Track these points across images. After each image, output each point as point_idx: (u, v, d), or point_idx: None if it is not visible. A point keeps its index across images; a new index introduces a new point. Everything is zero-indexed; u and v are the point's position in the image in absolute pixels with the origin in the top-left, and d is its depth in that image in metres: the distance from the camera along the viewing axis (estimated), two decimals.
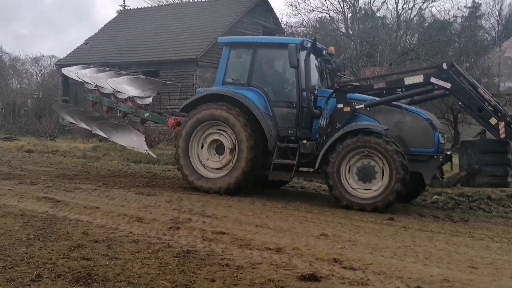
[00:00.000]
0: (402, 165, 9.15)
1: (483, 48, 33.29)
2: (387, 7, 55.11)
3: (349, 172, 9.62)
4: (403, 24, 36.89)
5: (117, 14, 41.16)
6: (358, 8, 37.25)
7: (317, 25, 40.05)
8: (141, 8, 39.74)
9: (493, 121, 8.96)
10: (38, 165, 14.41)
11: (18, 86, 42.46)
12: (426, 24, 38.46)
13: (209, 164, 10.85)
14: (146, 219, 7.81)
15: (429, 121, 9.71)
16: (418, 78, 9.69)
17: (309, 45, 10.46)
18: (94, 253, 5.75)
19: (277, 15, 36.27)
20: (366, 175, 9.51)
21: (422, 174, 9.69)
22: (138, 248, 6.09)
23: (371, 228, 7.91)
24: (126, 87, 12.85)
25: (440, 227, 8.33)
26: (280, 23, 36.06)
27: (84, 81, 13.27)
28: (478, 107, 9.14)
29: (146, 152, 13.24)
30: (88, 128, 13.63)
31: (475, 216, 9.85)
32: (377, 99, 10.09)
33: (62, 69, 16.74)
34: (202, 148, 10.89)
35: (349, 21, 35.82)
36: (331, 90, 10.42)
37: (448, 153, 10.17)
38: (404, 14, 37.38)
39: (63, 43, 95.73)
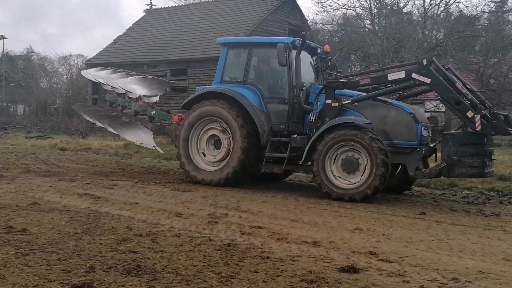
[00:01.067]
0: (383, 163, 9.60)
1: (511, 43, 32.90)
2: (414, 3, 54.39)
3: (334, 163, 10.15)
4: (430, 20, 36.55)
5: (144, 13, 41.77)
6: (384, 4, 37.01)
7: (341, 21, 39.95)
8: (168, 7, 40.21)
9: (469, 114, 9.36)
10: (74, 163, 14.83)
11: (47, 86, 43.34)
12: (452, 19, 38.08)
13: (207, 157, 11.53)
14: (185, 214, 8.08)
15: (412, 115, 10.14)
16: (401, 74, 10.17)
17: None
18: (140, 247, 6.01)
19: (304, 12, 36.37)
20: (350, 167, 10.01)
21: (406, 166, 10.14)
22: (181, 242, 6.34)
23: (404, 223, 8.05)
24: (135, 86, 13.59)
25: (472, 221, 8.44)
26: (307, 21, 36.10)
27: (100, 82, 14.09)
28: (456, 101, 9.56)
29: (154, 148, 13.92)
30: (102, 126, 14.55)
31: (506, 210, 9.91)
32: (364, 94, 10.64)
33: (82, 71, 17.96)
34: (201, 142, 11.59)
35: (375, 17, 35.61)
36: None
37: (431, 145, 10.48)
38: (432, 10, 37.03)
39: (90, 42, 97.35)
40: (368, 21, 37.35)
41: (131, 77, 14.07)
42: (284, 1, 33.15)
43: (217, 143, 11.49)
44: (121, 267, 5.21)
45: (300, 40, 10.97)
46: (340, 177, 10.09)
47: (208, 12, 35.18)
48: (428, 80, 9.80)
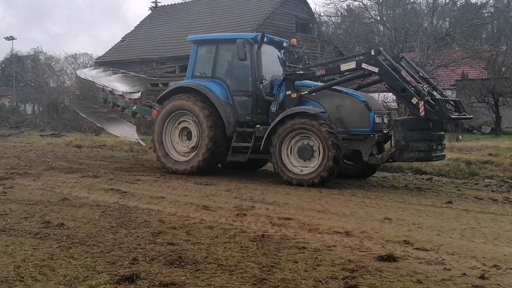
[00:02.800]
0: (334, 144, 10.14)
1: None
2: None
3: (290, 151, 10.72)
4: (439, 8, 36.38)
5: (150, 10, 41.78)
6: None
7: (345, 14, 39.81)
8: (174, 4, 40.17)
9: (414, 100, 9.82)
10: (92, 159, 14.92)
11: (55, 85, 43.44)
12: (456, 8, 37.89)
13: (179, 148, 12.18)
14: (212, 207, 8.15)
15: (365, 103, 10.63)
16: (352, 65, 10.75)
17: (265, 39, 11.46)
18: (176, 239, 6.09)
19: (311, 5, 36.26)
20: (305, 154, 10.59)
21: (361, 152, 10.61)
22: (215, 234, 6.41)
23: (432, 212, 8.08)
24: (117, 84, 14.35)
25: (501, 209, 8.47)
26: (314, 13, 36.04)
27: (92, 81, 14.84)
28: (401, 88, 10.04)
29: (136, 141, 14.57)
30: (92, 120, 15.56)
31: None
32: (320, 84, 11.21)
33: (77, 71, 19.03)
34: (174, 134, 12.23)
35: (383, 8, 35.47)
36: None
37: (385, 131, 10.80)
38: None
39: (96, 40, 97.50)
40: (375, 11, 37.25)
41: (114, 75, 14.82)
42: None
43: (189, 135, 12.12)
44: (163, 258, 5.28)
45: (265, 36, 11.47)
46: (298, 165, 10.64)
47: (215, 8, 35.14)
48: (376, 69, 10.31)
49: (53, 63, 57.43)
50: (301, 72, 11.32)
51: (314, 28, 34.90)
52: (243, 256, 5.49)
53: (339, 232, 6.62)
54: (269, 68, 11.81)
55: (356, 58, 11.08)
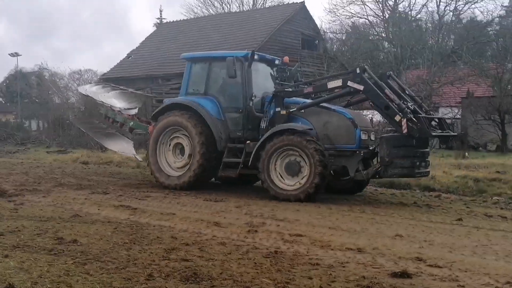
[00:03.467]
0: (320, 162, 10.34)
1: None
2: (427, 10, 54.58)
3: (278, 167, 10.93)
4: (444, 27, 36.61)
5: (155, 26, 42.18)
6: (398, 12, 37.16)
7: (350, 30, 40.10)
8: (180, 20, 40.57)
9: (397, 118, 10.00)
10: (101, 176, 14.97)
11: (60, 101, 43.72)
12: (461, 25, 38.12)
13: (173, 163, 12.44)
14: (223, 224, 8.18)
15: (351, 120, 10.85)
16: (338, 82, 10.95)
17: (256, 57, 11.83)
18: (190, 255, 6.11)
19: (317, 22, 36.50)
20: (292, 170, 10.78)
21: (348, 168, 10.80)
22: (228, 250, 6.44)
23: (443, 229, 8.08)
24: (114, 100, 14.69)
25: (511, 227, 8.45)
26: (319, 30, 36.28)
27: (91, 97, 15.18)
28: (385, 105, 10.21)
29: (134, 156, 14.91)
30: (91, 135, 16.06)
31: None
32: (308, 101, 11.44)
33: (78, 87, 19.44)
34: (167, 150, 12.52)
35: (390, 25, 35.73)
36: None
37: (371, 148, 10.92)
38: (446, 17, 37.14)
39: (101, 56, 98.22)
40: (381, 28, 37.50)
41: (112, 92, 15.16)
42: (297, 11, 33.30)
43: (182, 151, 12.38)
44: (178, 274, 5.31)
45: (257, 53, 11.93)
46: (286, 180, 10.84)
47: (221, 24, 35.41)
48: (361, 87, 10.48)
49: (58, 80, 57.77)
50: (290, 89, 11.66)
51: (320, 45, 35.12)
52: (257, 272, 5.51)
53: (351, 249, 6.63)
54: (261, 85, 12.11)
55: (343, 76, 11.32)
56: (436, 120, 10.83)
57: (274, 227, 8.04)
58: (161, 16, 44.78)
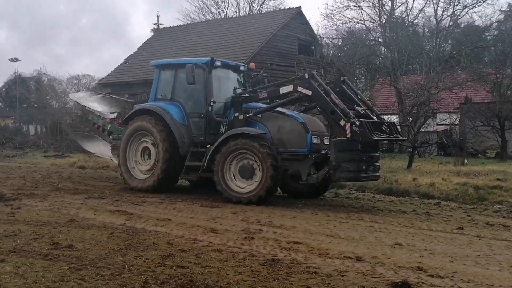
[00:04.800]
0: (272, 166, 10.57)
1: None
2: (424, 15, 54.58)
3: (232, 170, 11.15)
4: (442, 32, 36.58)
5: (152, 32, 42.09)
6: (395, 17, 37.12)
7: (346, 36, 40.00)
8: (177, 26, 40.45)
9: (342, 122, 10.25)
10: (97, 180, 14.88)
11: (58, 106, 43.58)
12: (459, 31, 38.11)
13: (141, 167, 12.78)
14: (219, 230, 8.08)
15: (303, 125, 11.08)
16: (289, 88, 11.25)
17: (217, 63, 12.18)
18: (186, 262, 6.03)
19: (313, 27, 36.45)
20: (246, 173, 11.01)
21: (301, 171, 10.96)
22: (225, 257, 6.35)
23: (444, 237, 7.98)
24: (96, 104, 15.38)
25: None
26: (316, 35, 36.22)
27: (76, 102, 16.23)
28: (331, 110, 10.47)
29: (109, 158, 15.32)
30: (72, 137, 17.23)
31: None
32: (264, 106, 11.73)
33: (69, 94, 20.32)
34: (136, 153, 12.83)
35: (387, 30, 35.68)
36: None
37: (323, 152, 11.04)
38: (444, 21, 37.10)
39: (99, 62, 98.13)
40: (378, 33, 37.44)
41: (95, 96, 16.11)
42: (293, 16, 33.25)
43: (150, 155, 12.67)
44: (174, 282, 5.23)
45: (218, 60, 12.30)
46: (239, 183, 11.07)
47: (217, 30, 35.34)
48: (310, 93, 10.76)
49: (56, 85, 57.62)
50: (247, 94, 11.90)
51: (317, 50, 35.09)
52: (254, 280, 5.42)
53: (349, 257, 6.54)
54: (226, 91, 12.37)
55: (294, 82, 11.49)
56: (386, 124, 10.94)
57: (271, 234, 7.95)
58: (158, 22, 44.64)
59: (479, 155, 26.94)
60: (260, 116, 11.56)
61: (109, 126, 14.71)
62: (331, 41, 39.18)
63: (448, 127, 30.18)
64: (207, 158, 11.33)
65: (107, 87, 34.62)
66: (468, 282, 5.56)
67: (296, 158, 11.04)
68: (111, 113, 15.34)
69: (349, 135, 10.10)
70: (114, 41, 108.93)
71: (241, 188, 11.03)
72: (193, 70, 11.55)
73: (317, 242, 7.43)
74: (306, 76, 10.92)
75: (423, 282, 5.51)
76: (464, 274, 5.85)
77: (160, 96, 12.89)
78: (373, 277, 5.69)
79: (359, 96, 11.30)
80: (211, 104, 11.83)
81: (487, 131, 26.44)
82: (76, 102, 15.82)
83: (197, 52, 32.97)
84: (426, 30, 39.08)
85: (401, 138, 11.58)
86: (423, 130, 24.36)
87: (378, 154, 11.06)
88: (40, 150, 29.39)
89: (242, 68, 13.07)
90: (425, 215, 10.17)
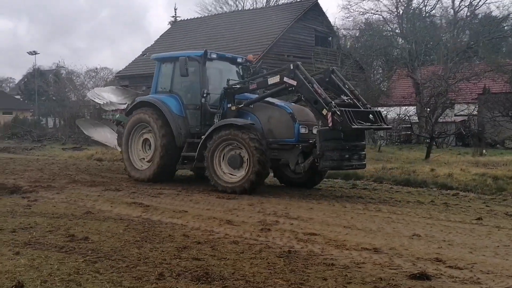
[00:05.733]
0: (256, 149, 10.75)
1: None
2: (442, 5, 53.81)
3: (222, 159, 11.38)
4: (459, 22, 36.06)
5: (169, 25, 42.14)
6: (412, 8, 36.69)
7: (363, 27, 39.68)
8: (194, 18, 40.46)
9: (324, 111, 10.33)
10: (114, 173, 14.93)
11: (76, 99, 43.92)
12: (477, 21, 37.56)
13: (141, 158, 13.12)
14: (236, 222, 8.04)
15: (291, 115, 11.23)
16: (276, 79, 11.37)
17: (213, 55, 12.41)
18: (201, 254, 5.99)
19: (330, 18, 36.17)
20: (235, 163, 11.21)
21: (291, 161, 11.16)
22: (241, 249, 6.30)
23: (462, 228, 7.86)
24: (108, 94, 15.86)
25: None
26: (333, 27, 35.97)
27: (92, 93, 16.82)
28: (314, 100, 10.59)
29: (114, 147, 15.65)
30: (79, 125, 17.97)
31: None
32: (255, 97, 11.92)
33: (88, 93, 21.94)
34: (138, 145, 13.18)
35: (404, 21, 35.27)
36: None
37: (311, 141, 11.01)
38: (461, 12, 36.57)
39: (117, 54, 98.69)
40: (395, 24, 37.06)
41: (108, 87, 17.11)
42: (309, 8, 33.01)
43: (150, 146, 12.92)
44: (189, 274, 5.19)
45: (213, 52, 12.51)
46: (228, 172, 11.30)
47: (234, 22, 35.27)
48: (294, 83, 10.92)
49: (74, 78, 58.07)
50: (238, 86, 12.08)
51: (334, 42, 34.83)
52: (270, 272, 5.37)
53: (367, 249, 6.46)
54: (224, 83, 12.36)
55: (280, 72, 11.54)
56: (372, 113, 11.01)
57: (288, 225, 7.89)
58: (175, 15, 44.64)
59: (498, 145, 26.56)
60: (251, 106, 11.74)
61: (117, 115, 15.04)
62: (348, 33, 38.98)
63: (466, 117, 29.84)
64: (198, 149, 11.58)
65: (125, 79, 34.82)
66: (488, 273, 5.45)
67: (284, 147, 11.25)
68: (121, 103, 15.65)
69: (330, 124, 10.21)
70: (133, 34, 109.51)
71: (232, 177, 11.22)
72: (186, 63, 11.81)
73: (334, 234, 7.35)
74: (291, 67, 11.05)
75: (441, 274, 5.41)
76: (484, 265, 5.74)
77: (161, 89, 13.16)
78: (391, 269, 5.61)
79: (346, 86, 11.45)
80: (204, 95, 12.10)
81: (505, 121, 26.08)
82: (93, 93, 16.34)
83: (214, 44, 32.90)
84: (444, 21, 38.64)
85: (386, 127, 11.65)
86: (441, 120, 24.14)
87: (363, 143, 11.14)
88: (58, 143, 29.70)
89: (239, 60, 13.22)
90: (443, 206, 10.02)
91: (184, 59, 11.85)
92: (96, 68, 52.82)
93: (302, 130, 11.14)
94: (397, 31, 36.60)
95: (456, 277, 5.30)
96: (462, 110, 29.71)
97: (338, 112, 10.11)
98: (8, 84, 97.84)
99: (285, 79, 11.08)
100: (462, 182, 12.71)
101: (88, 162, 18.44)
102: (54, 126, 45.72)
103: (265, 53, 29.53)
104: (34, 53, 62.06)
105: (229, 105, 11.84)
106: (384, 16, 37.14)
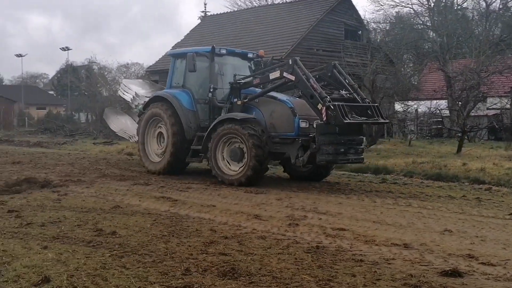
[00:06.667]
0: (254, 145, 10.96)
1: None
2: None
3: (224, 152, 11.66)
4: (493, 15, 35.22)
5: (199, 20, 42.26)
6: (443, 1, 35.94)
7: (393, 20, 39.09)
8: (223, 13, 40.48)
9: (319, 106, 10.46)
10: (143, 167, 15.01)
11: (107, 94, 44.47)
12: (509, 14, 36.63)
13: (156, 151, 13.53)
14: (263, 216, 7.98)
15: (291, 109, 11.40)
16: (277, 74, 11.56)
17: (222, 51, 12.71)
18: (228, 249, 5.95)
19: (360, 12, 35.72)
20: (237, 156, 11.45)
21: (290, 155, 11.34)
22: (268, 244, 6.24)
23: (495, 224, 7.66)
24: (136, 87, 16.49)
25: None
26: (363, 20, 35.49)
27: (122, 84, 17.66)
28: (310, 95, 10.74)
29: (129, 139, 16.46)
30: (104, 116, 18.45)
31: None
32: (258, 92, 12.14)
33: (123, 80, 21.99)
34: (153, 138, 13.61)
35: (435, 14, 34.59)
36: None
37: (311, 135, 11.05)
38: (493, 4, 35.74)
39: (148, 49, 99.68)
40: (426, 17, 36.37)
41: (136, 80, 17.82)
42: (339, 1, 32.61)
43: (164, 139, 13.25)
44: (216, 269, 5.15)
45: (222, 48, 12.86)
46: (231, 166, 11.58)
47: (263, 16, 35.12)
48: (293, 78, 11.11)
49: (106, 73, 58.85)
50: (242, 81, 12.30)
51: (363, 35, 34.39)
52: (298, 268, 5.29)
53: (397, 244, 6.33)
54: (231, 77, 12.59)
55: (280, 67, 11.73)
56: (370, 108, 11.05)
57: (316, 220, 7.80)
58: (205, 9, 44.82)
59: None
60: (257, 101, 11.96)
61: (140, 106, 15.33)
62: (378, 26, 38.44)
63: (498, 111, 29.17)
64: (203, 142, 11.91)
65: (155, 74, 35.06)
66: None
67: (285, 141, 11.42)
68: (146, 96, 15.89)
69: (324, 119, 10.35)
70: (164, 29, 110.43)
71: (232, 170, 11.51)
72: (193, 59, 12.14)
73: (363, 229, 7.24)
74: (290, 62, 11.27)
75: (474, 270, 5.27)
76: None
77: (175, 84, 13.50)
78: (422, 265, 5.48)
79: (347, 81, 11.56)
80: (211, 90, 12.39)
81: None
82: (120, 90, 17.02)
83: (243, 39, 32.88)
84: (475, 13, 37.77)
85: (382, 121, 11.51)
86: (472, 114, 23.64)
87: (361, 137, 11.19)
88: (90, 137, 30.13)
89: (250, 55, 13.49)
90: (476, 201, 9.79)
91: (192, 55, 12.19)
92: (127, 64, 53.52)
93: (303, 124, 11.30)
94: (428, 24, 35.89)
95: (489, 274, 5.15)
96: (495, 104, 29.04)
97: (331, 107, 10.23)
98: (42, 80, 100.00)
99: (285, 74, 11.28)
100: (495, 176, 12.42)
101: (118, 156, 18.64)
102: (86, 121, 46.46)
103: (294, 47, 29.36)
104: (66, 49, 63.21)
105: (235, 100, 12.10)
106: (415, 9, 36.50)
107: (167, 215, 7.95)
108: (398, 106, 27.31)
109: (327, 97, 10.47)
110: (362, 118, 10.74)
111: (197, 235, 6.64)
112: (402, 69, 35.17)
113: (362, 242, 6.46)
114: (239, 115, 11.58)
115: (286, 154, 11.54)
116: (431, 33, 36.52)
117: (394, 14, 39.21)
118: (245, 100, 11.95)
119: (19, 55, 70.17)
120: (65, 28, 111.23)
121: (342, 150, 10.63)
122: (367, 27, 35.47)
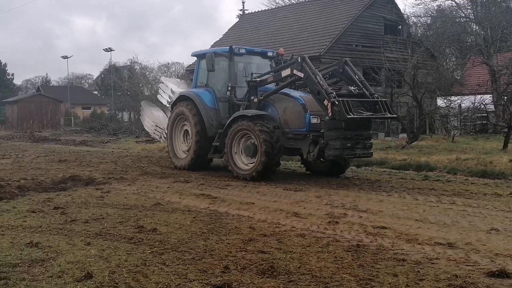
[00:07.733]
0: (265, 141, 11.28)
1: None
2: None
3: (239, 150, 12.09)
4: None
5: (237, 18, 42.39)
6: None
7: (434, 14, 38.20)
8: (261, 10, 40.51)
9: (325, 102, 10.70)
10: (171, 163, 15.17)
11: (149, 93, 45.11)
12: None
13: (183, 147, 14.14)
14: (303, 214, 7.92)
15: (303, 105, 11.65)
16: (288, 71, 11.93)
17: (242, 51, 13.22)
18: (267, 247, 5.92)
19: (399, 6, 35.07)
20: (250, 152, 11.81)
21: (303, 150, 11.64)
22: (308, 242, 6.18)
23: None
24: (172, 85, 17.22)
25: None
26: (402, 15, 34.85)
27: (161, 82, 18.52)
28: (317, 91, 11.00)
29: (155, 138, 17.24)
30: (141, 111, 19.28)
31: None
32: (273, 89, 12.41)
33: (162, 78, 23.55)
34: (179, 135, 14.24)
35: (478, 6, 33.63)
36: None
37: (322, 131, 11.17)
38: None
39: (189, 48, 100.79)
40: (469, 10, 35.40)
41: (175, 79, 19.21)
42: None
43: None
44: (255, 267, 5.12)
45: (241, 47, 13.38)
46: (245, 161, 11.99)
47: (301, 13, 34.95)
48: (302, 75, 11.43)
49: (147, 73, 59.77)
50: (258, 79, 12.61)
51: (404, 30, 33.78)
52: (337, 267, 5.22)
53: (440, 244, 6.16)
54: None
55: (291, 65, 12.00)
56: (379, 103, 11.24)
57: (356, 218, 7.69)
58: (243, 7, 44.88)
59: None
60: (272, 98, 12.28)
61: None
62: (419, 20, 37.66)
63: None
64: (221, 138, 12.44)
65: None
66: None
67: (297, 137, 11.68)
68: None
69: (330, 114, 10.57)
70: (204, 28, 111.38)
71: (246, 165, 11.90)
72: (212, 59, 12.65)
73: (405, 227, 7.08)
74: (299, 59, 11.57)
75: None
76: None
77: (199, 83, 14.02)
78: (467, 265, 5.31)
79: (357, 76, 11.85)
80: (229, 89, 12.86)
81: None
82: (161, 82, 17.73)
83: (280, 36, 32.83)
84: None
85: (389, 116, 11.52)
86: None
87: (369, 132, 11.48)
88: (133, 136, 30.66)
89: (270, 54, 13.85)
90: None
91: (211, 55, 12.71)
92: (168, 63, 54.16)
93: (314, 120, 11.51)
94: (471, 16, 34.95)
95: None
96: None
97: (336, 102, 10.42)
98: (87, 80, 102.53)
99: (294, 71, 11.61)
100: None
101: (160, 154, 18.86)
102: (128, 120, 47.28)
103: (332, 43, 29.11)
104: (109, 49, 64.51)
105: (252, 97, 12.42)
106: (457, 2, 35.59)
107: (207, 212, 7.99)
108: (440, 102, 26.73)
109: (332, 93, 10.71)
110: (368, 113, 10.96)
111: (236, 232, 6.64)
112: (444, 63, 34.39)
113: (404, 241, 6.31)
114: (250, 111, 11.97)
115: (301, 150, 11.76)
116: (474, 26, 35.58)
117: (435, 7, 38.34)
118: (261, 98, 12.27)
119: (65, 57, 72.23)
120: (108, 29, 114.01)
121: (349, 144, 10.92)
122: (407, 22, 34.82)
